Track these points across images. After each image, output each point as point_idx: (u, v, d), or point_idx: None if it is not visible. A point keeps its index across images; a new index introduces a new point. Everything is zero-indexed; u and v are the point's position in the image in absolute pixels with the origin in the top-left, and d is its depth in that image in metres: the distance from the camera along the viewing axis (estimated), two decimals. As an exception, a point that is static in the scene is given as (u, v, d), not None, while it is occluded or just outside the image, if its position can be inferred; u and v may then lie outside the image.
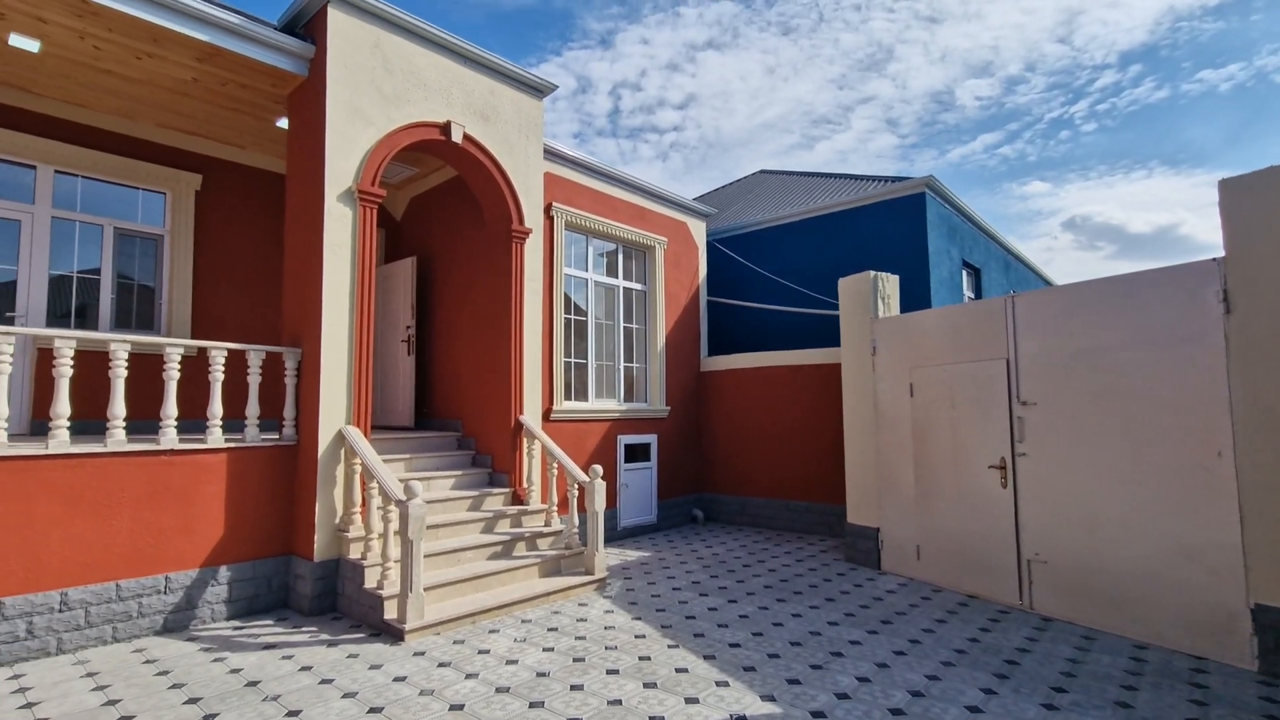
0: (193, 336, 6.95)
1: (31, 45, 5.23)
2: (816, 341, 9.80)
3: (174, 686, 3.75)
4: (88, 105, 6.34)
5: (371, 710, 3.47)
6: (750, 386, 9.15)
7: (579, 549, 6.08)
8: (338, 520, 5.30)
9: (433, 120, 6.12)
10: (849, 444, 6.87)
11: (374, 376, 8.01)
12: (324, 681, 3.82)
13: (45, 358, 6.08)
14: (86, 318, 6.54)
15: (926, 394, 6.09)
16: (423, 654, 4.25)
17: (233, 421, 6.16)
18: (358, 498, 5.34)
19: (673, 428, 9.18)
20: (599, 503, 5.97)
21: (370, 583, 4.94)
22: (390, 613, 4.67)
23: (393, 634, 4.55)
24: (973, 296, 11.54)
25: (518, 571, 5.58)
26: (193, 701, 3.56)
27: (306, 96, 5.76)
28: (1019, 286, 13.66)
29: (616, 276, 8.79)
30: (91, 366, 5.92)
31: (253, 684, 3.79)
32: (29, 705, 3.51)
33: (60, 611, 4.30)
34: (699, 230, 10.01)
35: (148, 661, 4.14)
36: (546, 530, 6.17)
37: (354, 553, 5.20)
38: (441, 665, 4.06)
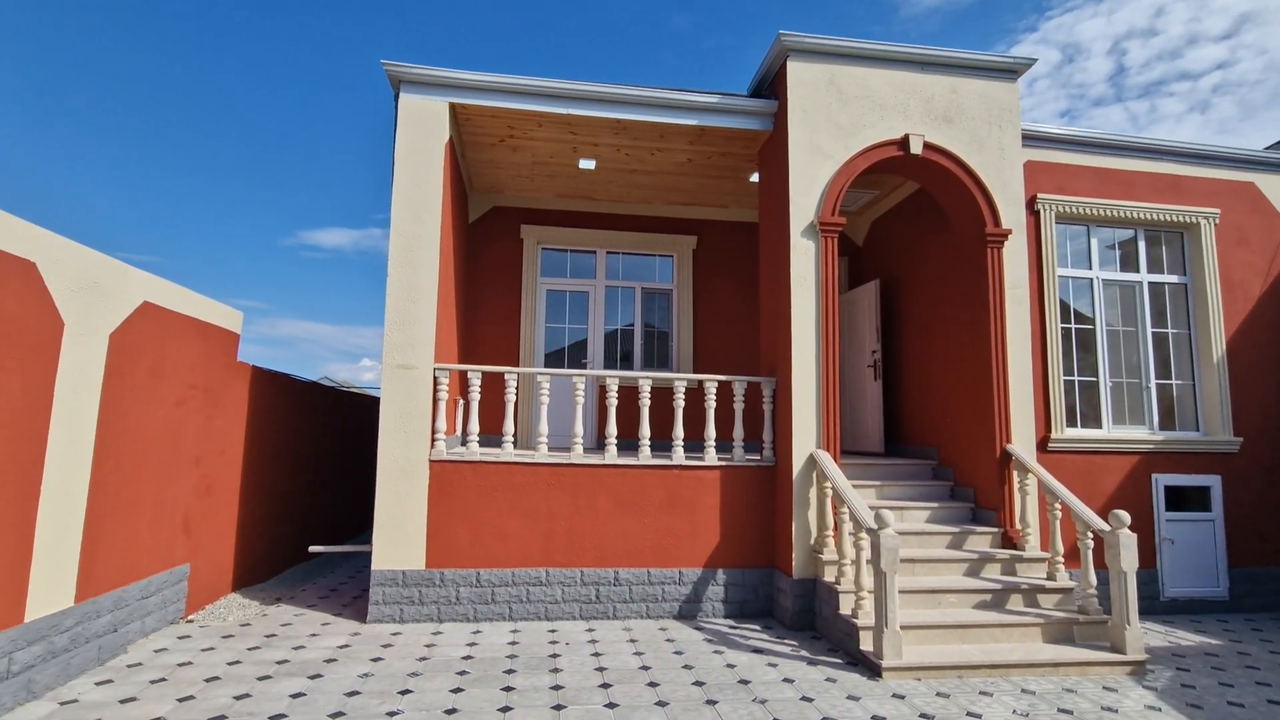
0: (694, 370, 8.33)
1: (590, 164, 7.19)
2: None
3: (685, 667, 4.42)
4: (622, 200, 8.36)
5: (849, 743, 3.40)
6: None
7: (1099, 616, 4.84)
8: (812, 541, 5.49)
9: (889, 139, 5.96)
10: None
11: (841, 402, 8.14)
12: (804, 699, 3.93)
13: (602, 391, 8.15)
14: (628, 360, 8.53)
15: None
16: (902, 698, 3.97)
17: (718, 443, 7.06)
18: (829, 521, 5.44)
19: (1249, 467, 6.58)
20: (1127, 560, 4.64)
21: (845, 609, 4.92)
22: (866, 644, 4.55)
23: (869, 667, 4.41)
24: None
25: (1013, 629, 4.76)
26: (698, 685, 4.12)
27: (772, 148, 6.33)
28: None
29: (1136, 270, 6.89)
30: (627, 398, 7.66)
31: (744, 683, 4.17)
32: (596, 655, 4.63)
33: (615, 586, 5.59)
34: (1277, 189, 7.08)
35: (668, 640, 5.00)
36: (1050, 585, 5.12)
37: (828, 575, 5.29)
38: (923, 716, 3.72)
